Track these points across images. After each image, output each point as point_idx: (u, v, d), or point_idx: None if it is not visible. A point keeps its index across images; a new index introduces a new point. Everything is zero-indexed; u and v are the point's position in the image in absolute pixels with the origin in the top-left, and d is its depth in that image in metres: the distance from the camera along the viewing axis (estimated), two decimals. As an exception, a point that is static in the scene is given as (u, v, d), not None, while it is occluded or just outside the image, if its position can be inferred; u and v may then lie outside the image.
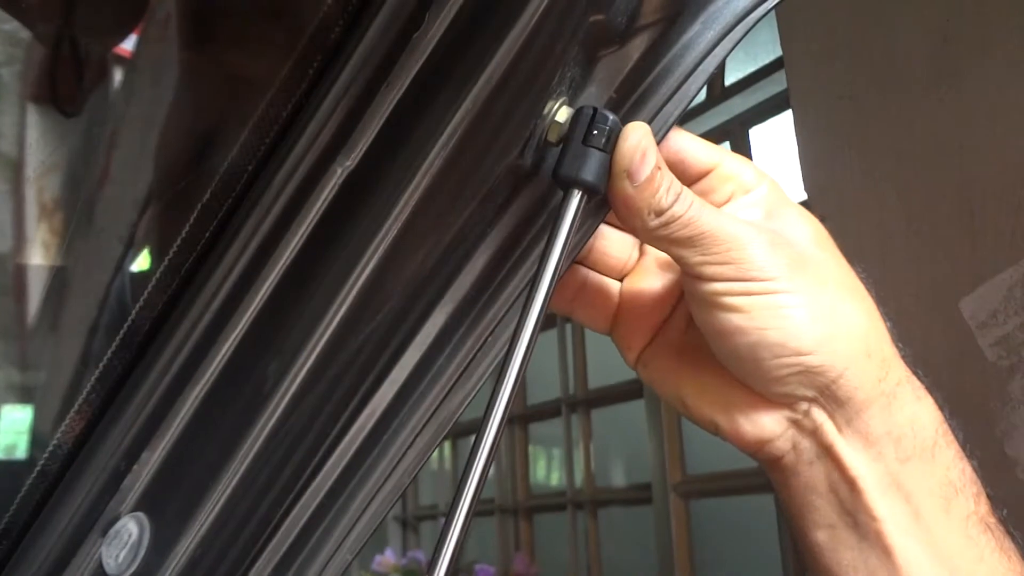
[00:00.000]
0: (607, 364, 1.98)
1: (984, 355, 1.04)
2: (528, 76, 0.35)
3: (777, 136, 1.58)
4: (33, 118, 0.62)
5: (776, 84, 1.54)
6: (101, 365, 0.43)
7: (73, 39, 0.55)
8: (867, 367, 0.39)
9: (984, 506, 0.40)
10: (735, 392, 0.41)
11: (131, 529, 0.40)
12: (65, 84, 0.56)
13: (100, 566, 0.41)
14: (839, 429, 0.39)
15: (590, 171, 0.36)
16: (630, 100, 0.39)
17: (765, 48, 1.57)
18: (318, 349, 0.37)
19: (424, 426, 0.38)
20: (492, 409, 0.34)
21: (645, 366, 0.44)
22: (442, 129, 0.35)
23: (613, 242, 0.44)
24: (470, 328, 0.39)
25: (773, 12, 0.43)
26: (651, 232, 0.38)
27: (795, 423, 0.40)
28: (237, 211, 0.40)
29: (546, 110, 0.37)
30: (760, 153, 1.66)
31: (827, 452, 0.39)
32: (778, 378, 0.39)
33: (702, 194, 0.40)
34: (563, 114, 0.37)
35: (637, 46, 0.39)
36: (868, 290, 0.41)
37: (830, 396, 0.39)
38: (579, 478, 2.13)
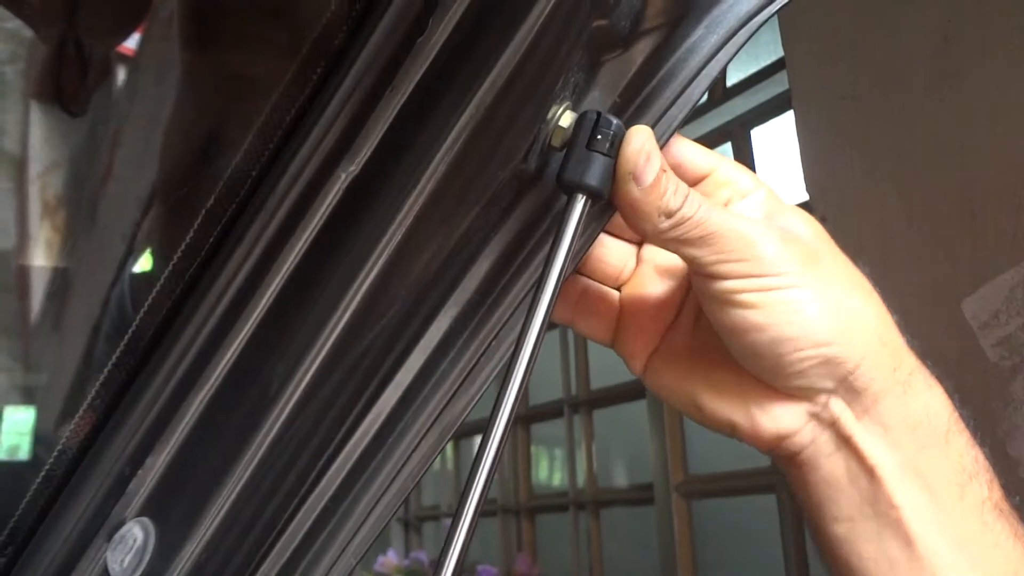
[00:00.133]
0: (609, 365, 1.97)
1: (986, 356, 1.05)
2: (532, 81, 0.35)
3: (779, 137, 1.58)
4: (36, 116, 0.62)
5: (778, 85, 1.54)
6: (106, 370, 0.43)
7: (77, 37, 0.55)
8: (882, 356, 0.39)
9: (997, 492, 0.40)
10: (752, 389, 0.41)
11: (136, 534, 0.40)
12: (69, 82, 0.56)
13: (105, 571, 0.41)
14: (857, 419, 0.39)
15: (594, 176, 0.36)
16: (634, 104, 0.39)
17: (767, 48, 1.56)
18: (322, 354, 0.37)
19: (428, 430, 0.38)
20: (497, 413, 0.34)
21: (653, 373, 0.44)
22: (446, 134, 0.35)
23: (611, 250, 0.44)
24: (474, 332, 0.39)
25: (775, 14, 0.43)
26: (662, 234, 0.38)
27: (814, 416, 0.40)
28: (241, 216, 0.40)
29: (550, 115, 0.37)
30: (761, 154, 1.65)
31: (846, 443, 0.40)
32: (798, 371, 0.39)
33: None
34: (567, 119, 0.37)
35: (641, 50, 0.39)
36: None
37: (849, 386, 0.39)
38: (581, 478, 2.13)
